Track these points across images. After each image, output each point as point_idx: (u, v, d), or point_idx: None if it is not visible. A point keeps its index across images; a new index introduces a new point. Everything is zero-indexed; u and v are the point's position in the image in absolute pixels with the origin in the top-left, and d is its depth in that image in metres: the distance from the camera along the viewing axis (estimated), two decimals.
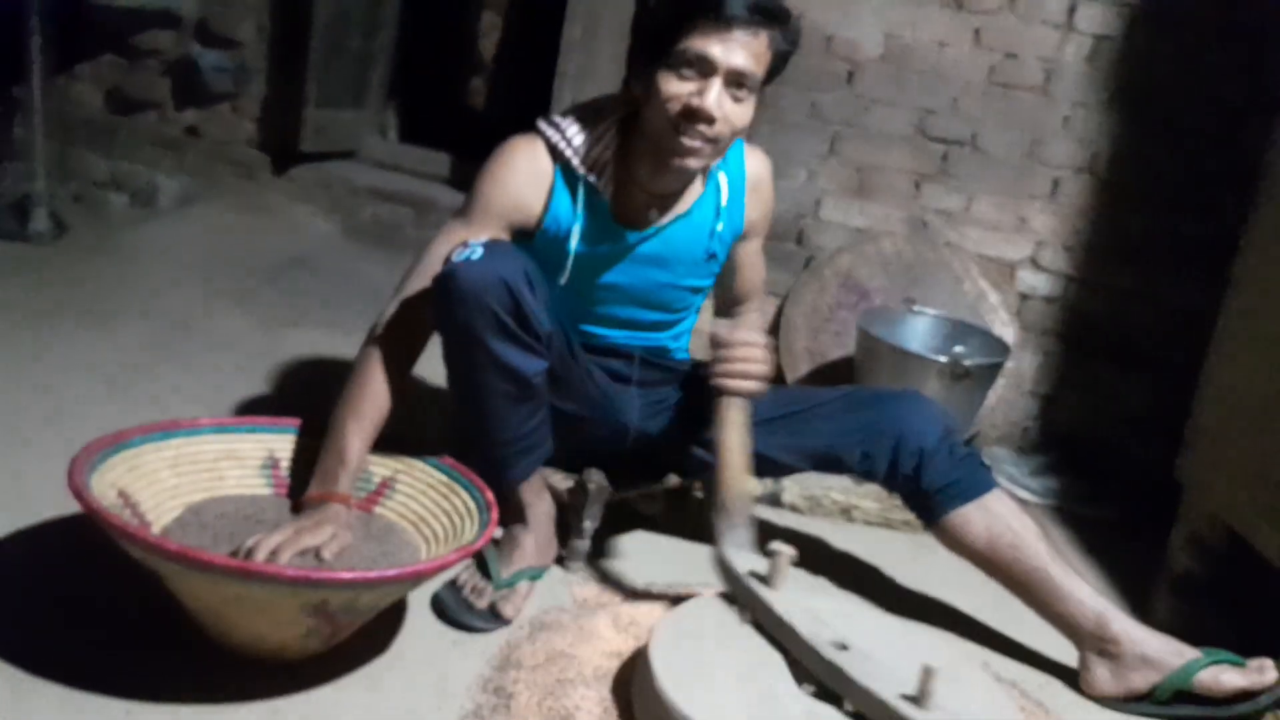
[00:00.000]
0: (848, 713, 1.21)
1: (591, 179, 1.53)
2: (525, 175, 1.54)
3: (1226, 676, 1.51)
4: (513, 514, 1.58)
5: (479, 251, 1.41)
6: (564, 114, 1.58)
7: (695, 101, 1.44)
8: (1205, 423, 1.98)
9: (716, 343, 1.56)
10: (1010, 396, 2.73)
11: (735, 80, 1.44)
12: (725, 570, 1.44)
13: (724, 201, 1.64)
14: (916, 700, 1.16)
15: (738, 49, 1.42)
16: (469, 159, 3.53)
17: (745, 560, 1.44)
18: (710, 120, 1.44)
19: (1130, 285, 2.66)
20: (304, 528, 1.30)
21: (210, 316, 2.56)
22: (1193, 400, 2.03)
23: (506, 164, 1.55)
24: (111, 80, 3.41)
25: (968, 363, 2.32)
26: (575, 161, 1.53)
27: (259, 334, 2.50)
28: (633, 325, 1.70)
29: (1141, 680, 1.53)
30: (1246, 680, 1.50)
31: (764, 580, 1.38)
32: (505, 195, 1.54)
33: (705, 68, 1.43)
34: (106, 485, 1.27)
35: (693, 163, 1.50)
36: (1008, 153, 2.73)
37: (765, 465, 1.76)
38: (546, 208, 1.55)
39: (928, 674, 1.16)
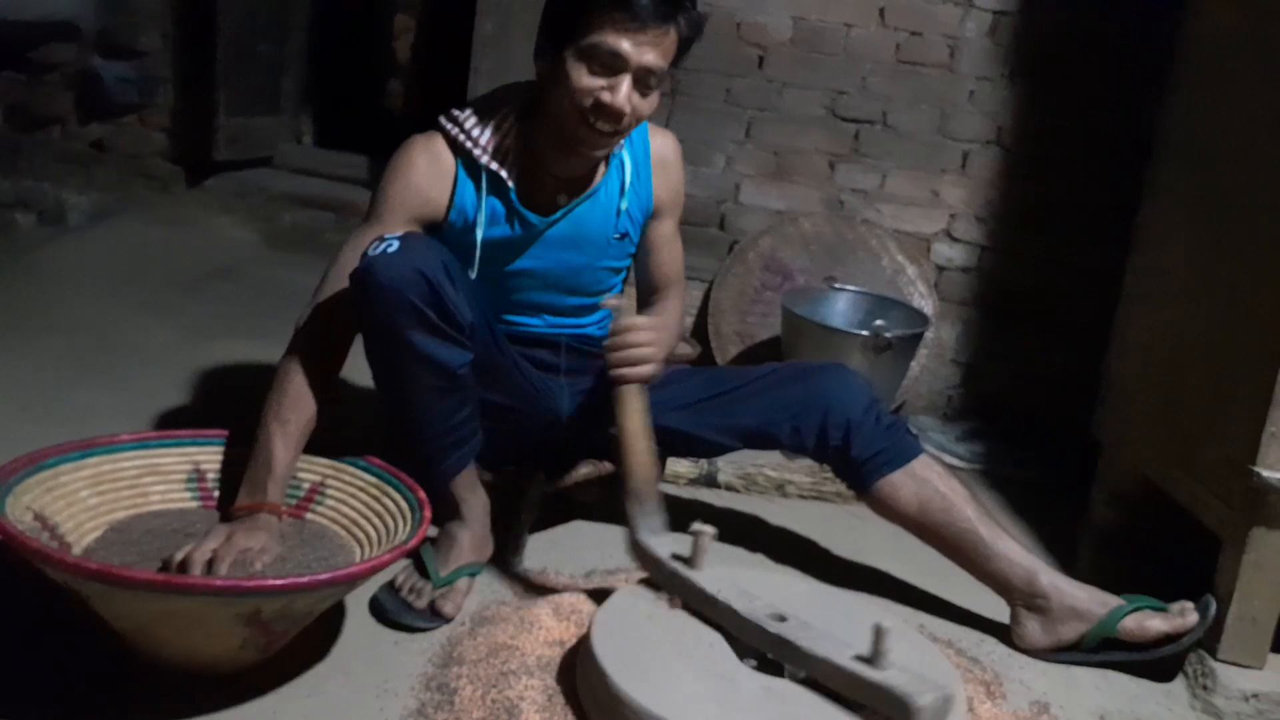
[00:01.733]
0: (797, 679, 1.24)
1: (494, 167, 1.55)
2: (426, 170, 1.55)
3: (1150, 622, 1.57)
4: (448, 511, 1.57)
5: (394, 245, 1.40)
6: (464, 108, 1.59)
7: (606, 98, 1.46)
8: (1117, 380, 2.05)
9: (607, 337, 1.57)
10: (933, 366, 2.80)
11: (645, 76, 1.46)
12: (643, 556, 1.46)
13: (628, 180, 1.66)
14: (870, 660, 1.19)
15: (649, 47, 1.44)
16: (387, 161, 3.50)
17: (665, 543, 1.45)
18: (620, 117, 1.47)
19: (1041, 252, 2.74)
20: (236, 531, 1.28)
21: (130, 331, 2.50)
22: (1103, 358, 2.10)
23: (407, 161, 1.56)
24: (11, 97, 3.31)
25: (889, 335, 2.37)
26: (476, 152, 1.54)
27: (182, 346, 2.45)
28: (553, 311, 1.71)
29: (1070, 631, 1.59)
30: (1169, 625, 1.56)
31: (686, 561, 1.39)
32: (409, 191, 1.55)
33: (617, 64, 1.44)
34: (21, 509, 1.24)
35: (599, 152, 1.53)
36: (917, 129, 2.79)
37: (698, 445, 1.78)
38: (451, 200, 1.56)
39: (880, 634, 1.18)
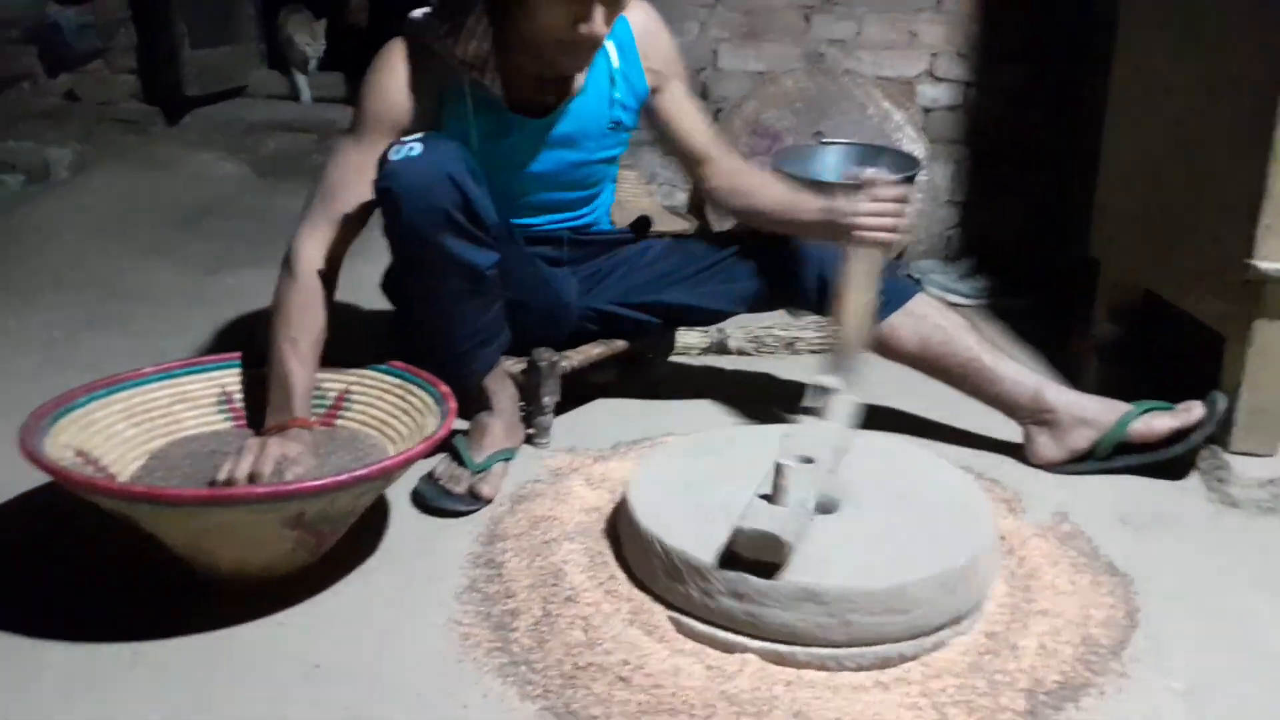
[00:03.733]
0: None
1: (475, 75, 1.50)
2: (406, 79, 1.50)
3: (1159, 421, 1.61)
4: (479, 404, 1.62)
5: (417, 148, 1.39)
6: (428, 13, 1.52)
7: (582, 30, 1.41)
8: (1109, 197, 2.06)
9: (855, 185, 1.56)
10: (929, 209, 2.80)
11: None
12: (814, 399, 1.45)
13: (616, 66, 1.63)
14: (770, 497, 1.22)
15: None
16: (360, 75, 3.46)
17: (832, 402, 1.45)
18: (598, 43, 1.44)
19: (1025, 81, 2.71)
20: (269, 442, 1.33)
21: (133, 275, 2.53)
22: (1096, 181, 2.10)
23: (386, 70, 1.51)
24: None
25: None
26: (454, 61, 1.49)
27: (186, 284, 2.48)
28: (554, 208, 1.71)
29: (1082, 439, 1.64)
30: (1178, 421, 1.61)
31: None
32: (389, 104, 1.50)
33: None
34: (61, 447, 1.29)
35: (581, 68, 1.51)
36: None
37: (701, 315, 1.82)
38: (440, 108, 1.53)
39: (778, 471, 1.21)
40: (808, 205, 1.64)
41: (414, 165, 1.38)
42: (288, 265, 1.48)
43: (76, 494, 1.20)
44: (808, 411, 1.41)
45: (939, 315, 1.69)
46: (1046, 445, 1.66)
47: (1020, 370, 1.68)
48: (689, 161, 1.76)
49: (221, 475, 1.29)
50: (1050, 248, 2.66)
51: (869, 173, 1.60)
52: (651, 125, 1.74)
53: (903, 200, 1.57)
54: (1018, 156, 2.76)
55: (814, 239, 1.69)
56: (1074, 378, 1.96)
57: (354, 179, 1.49)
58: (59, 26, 3.11)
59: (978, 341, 1.68)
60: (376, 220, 1.51)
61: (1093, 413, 1.63)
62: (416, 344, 1.59)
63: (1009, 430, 1.73)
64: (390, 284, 1.73)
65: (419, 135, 1.43)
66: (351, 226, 1.51)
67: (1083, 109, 2.47)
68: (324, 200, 1.50)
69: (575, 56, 1.48)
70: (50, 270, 2.55)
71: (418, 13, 1.54)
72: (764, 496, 1.23)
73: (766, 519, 1.17)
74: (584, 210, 1.76)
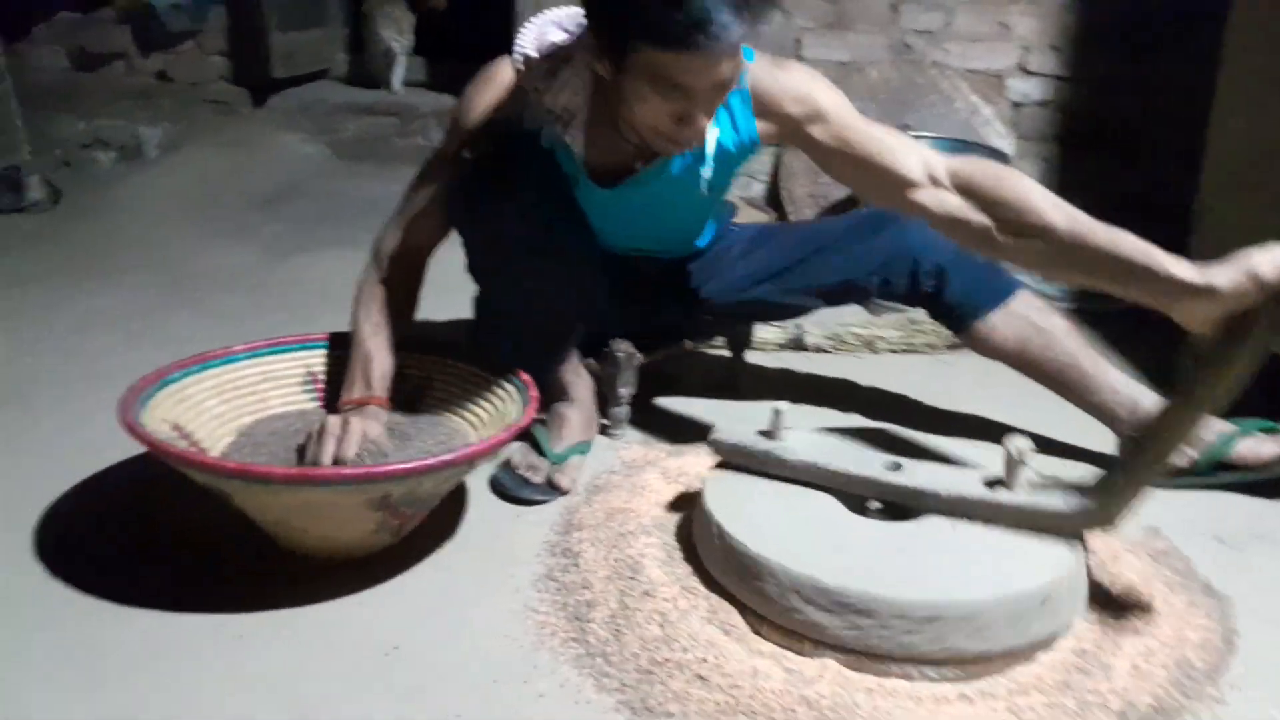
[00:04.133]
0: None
1: (558, 130, 1.44)
2: (497, 102, 1.47)
3: (1265, 448, 1.55)
4: (555, 394, 1.62)
5: (514, 167, 1.41)
6: (536, 45, 1.43)
7: (684, 134, 1.33)
8: (1213, 197, 1.98)
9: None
10: None
11: (723, 87, 1.30)
12: (719, 449, 1.40)
13: (711, 145, 1.48)
14: (1005, 483, 1.23)
15: (723, 68, 1.25)
16: (440, 60, 3.48)
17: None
18: (699, 140, 1.36)
19: (1122, 74, 2.63)
20: (350, 418, 1.34)
21: (213, 255, 2.59)
22: (1198, 177, 2.02)
23: (484, 88, 1.48)
24: (71, 38, 3.36)
25: None
26: (542, 108, 1.44)
27: (266, 264, 2.53)
28: (641, 253, 1.69)
29: (1181, 456, 1.57)
30: None
31: (767, 434, 1.37)
32: (479, 120, 1.48)
33: (689, 92, 1.28)
34: (158, 421, 1.32)
35: (673, 155, 1.45)
36: None
37: (783, 311, 1.80)
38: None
39: (1010, 460, 1.21)
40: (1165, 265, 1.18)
41: (510, 184, 1.41)
42: (375, 254, 1.52)
43: (171, 466, 1.23)
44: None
45: (1039, 315, 1.64)
46: None
47: (1120, 379, 1.62)
48: (873, 201, 1.53)
49: (308, 458, 1.31)
50: None
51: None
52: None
53: None
54: (1113, 152, 2.68)
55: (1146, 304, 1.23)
56: (1168, 388, 1.88)
57: (438, 189, 1.49)
58: (153, 7, 3.18)
59: (1079, 346, 1.63)
60: None
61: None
62: (494, 333, 1.59)
63: (1100, 440, 1.67)
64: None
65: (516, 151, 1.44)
66: (437, 225, 1.52)
67: (1187, 102, 2.38)
68: (406, 205, 1.52)
69: (671, 147, 1.39)
70: (136, 247, 2.62)
71: (528, 41, 1.44)
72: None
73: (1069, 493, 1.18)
74: (676, 249, 1.73)
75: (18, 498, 1.47)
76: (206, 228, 2.77)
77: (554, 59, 1.42)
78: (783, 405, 1.38)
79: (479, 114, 1.48)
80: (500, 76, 1.48)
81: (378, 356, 1.44)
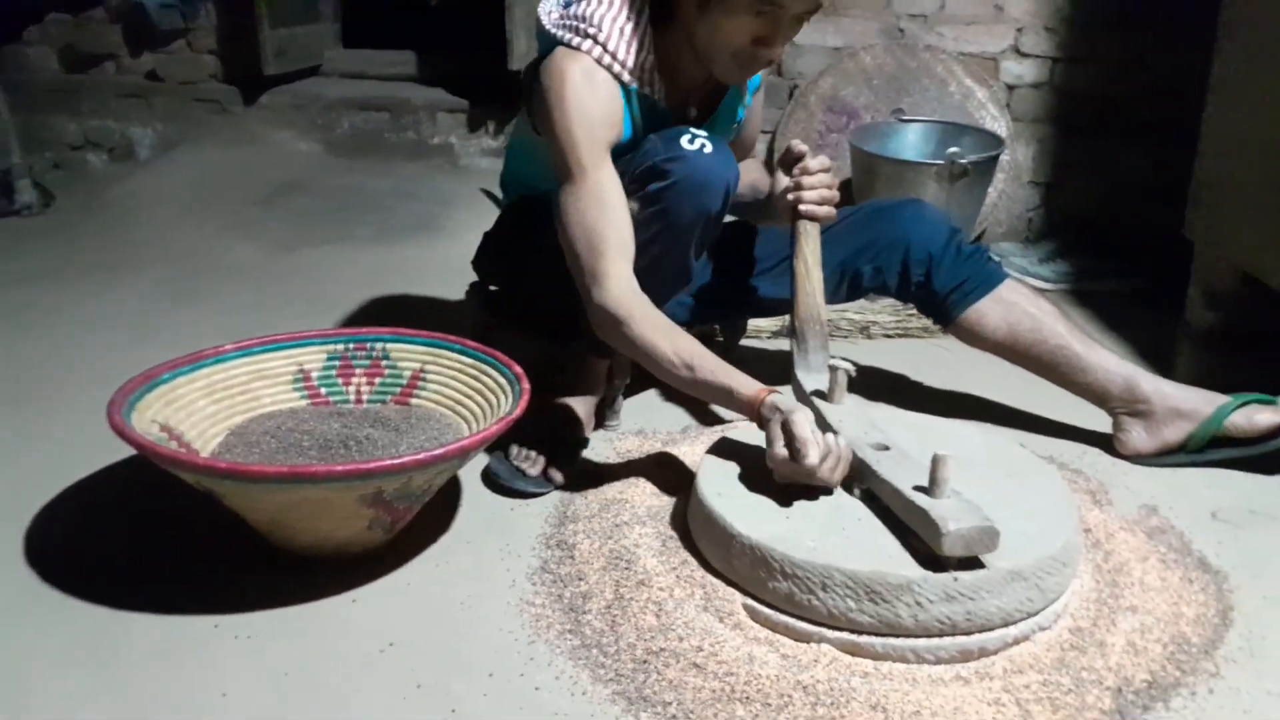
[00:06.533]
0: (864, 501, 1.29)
1: (647, 91, 1.50)
2: (600, 97, 1.44)
3: (1259, 416, 1.54)
4: (567, 380, 1.63)
5: (709, 145, 1.42)
6: (587, 18, 1.45)
7: (764, 54, 1.43)
8: (1209, 176, 1.97)
9: (793, 164, 1.57)
10: (1010, 190, 2.72)
11: (804, 18, 1.43)
12: (798, 392, 1.49)
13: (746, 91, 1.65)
14: (928, 489, 1.19)
15: None
16: (432, 52, 3.47)
17: (813, 381, 1.48)
18: (771, 63, 1.47)
19: (1117, 55, 2.61)
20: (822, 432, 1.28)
21: (214, 253, 2.58)
22: (1194, 158, 2.01)
23: (582, 92, 1.42)
24: (61, 39, 3.35)
25: (964, 161, 2.31)
26: (626, 78, 1.46)
27: (266, 260, 2.52)
28: None
29: (1175, 432, 1.57)
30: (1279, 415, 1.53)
31: (824, 396, 1.43)
32: (597, 126, 1.42)
33: (778, 15, 1.40)
34: (147, 422, 1.31)
35: (740, 83, 1.55)
36: None
37: (781, 305, 1.78)
38: (622, 120, 1.49)
39: (938, 463, 1.18)
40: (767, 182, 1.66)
41: (705, 161, 1.41)
42: (625, 319, 1.36)
43: (162, 468, 1.23)
44: (819, 395, 1.43)
45: (1028, 302, 1.64)
46: (1138, 436, 1.60)
47: (1112, 359, 1.62)
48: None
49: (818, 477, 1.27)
50: (1140, 228, 2.57)
51: (797, 144, 1.58)
52: None
53: (830, 174, 1.57)
54: (1106, 132, 2.66)
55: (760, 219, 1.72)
56: (1167, 366, 1.88)
57: (610, 207, 1.41)
58: (143, 7, 3.17)
59: (1068, 329, 1.63)
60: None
61: (1189, 404, 1.57)
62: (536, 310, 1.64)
63: (1095, 419, 1.67)
64: (489, 260, 1.76)
65: (705, 133, 1.44)
66: (631, 251, 1.43)
67: (1180, 83, 2.37)
68: (598, 247, 1.39)
69: (745, 71, 1.48)
70: (134, 247, 2.62)
71: (552, 25, 1.48)
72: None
73: (968, 515, 1.14)
74: None
75: (16, 498, 1.47)
76: (204, 226, 2.76)
77: (604, 27, 1.44)
78: (844, 364, 1.42)
79: (594, 115, 1.42)
80: (576, 72, 1.42)
81: (734, 375, 1.35)
